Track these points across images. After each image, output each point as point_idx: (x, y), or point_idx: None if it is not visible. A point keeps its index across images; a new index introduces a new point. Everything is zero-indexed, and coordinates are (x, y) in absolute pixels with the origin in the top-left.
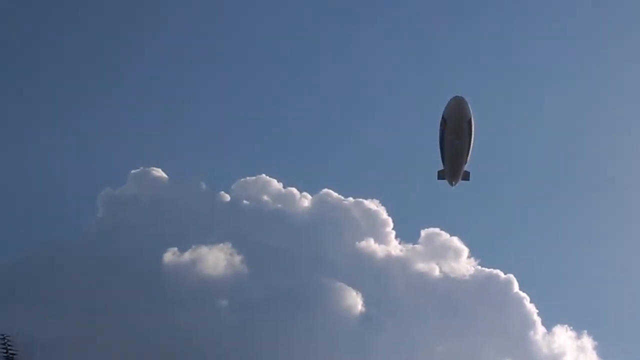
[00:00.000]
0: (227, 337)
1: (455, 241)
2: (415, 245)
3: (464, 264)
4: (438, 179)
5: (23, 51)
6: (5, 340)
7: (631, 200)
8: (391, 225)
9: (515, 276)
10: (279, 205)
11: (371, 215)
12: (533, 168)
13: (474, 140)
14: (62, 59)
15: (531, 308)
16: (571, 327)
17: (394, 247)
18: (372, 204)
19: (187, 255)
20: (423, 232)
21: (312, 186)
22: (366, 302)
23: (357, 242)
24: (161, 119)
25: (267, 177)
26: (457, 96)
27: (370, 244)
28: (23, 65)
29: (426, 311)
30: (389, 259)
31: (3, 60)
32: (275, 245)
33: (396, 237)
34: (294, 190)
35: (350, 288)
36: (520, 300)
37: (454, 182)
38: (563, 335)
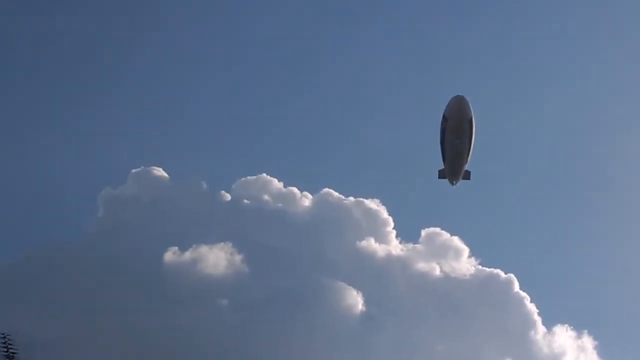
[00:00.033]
0: (228, 336)
1: (456, 241)
2: (416, 245)
3: (465, 264)
4: (439, 178)
5: (23, 51)
6: (6, 339)
7: (631, 200)
8: (392, 224)
9: (515, 276)
10: (280, 205)
11: (372, 214)
12: (533, 168)
13: (474, 140)
14: (62, 59)
15: (531, 308)
16: (571, 327)
17: (395, 247)
18: (372, 204)
19: (187, 255)
20: (424, 232)
21: (313, 186)
22: (367, 302)
23: (357, 242)
24: (162, 118)
25: (268, 176)
26: (458, 95)
27: (370, 244)
28: (23, 65)
29: (427, 311)
30: (389, 258)
31: (3, 60)
32: (276, 245)
33: (397, 236)
34: (295, 189)
35: (350, 287)
36: (520, 300)
37: (454, 182)
38: (563, 335)
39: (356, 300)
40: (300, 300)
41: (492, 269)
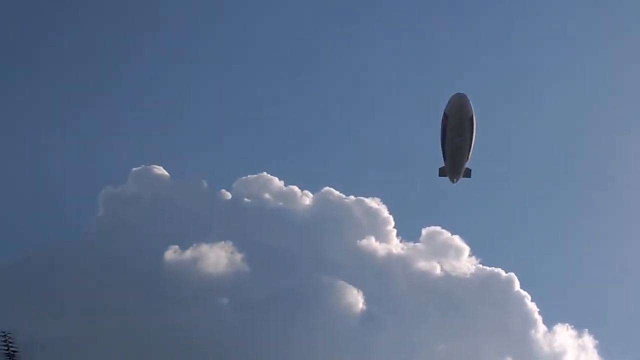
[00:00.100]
0: (228, 335)
1: (457, 240)
2: (417, 244)
3: (465, 263)
4: (439, 176)
5: (23, 51)
6: (6, 338)
7: (631, 199)
8: (392, 223)
9: (516, 275)
10: (280, 204)
11: (372, 213)
12: (534, 167)
13: (475, 138)
14: (62, 59)
15: (532, 307)
16: (572, 326)
17: (395, 246)
18: (373, 202)
19: (188, 254)
20: (424, 231)
21: (313, 184)
22: (367, 301)
23: (358, 241)
24: (162, 117)
25: (268, 175)
26: (459, 93)
27: (371, 243)
28: (23, 65)
29: (427, 310)
30: (390, 257)
31: (3, 60)
32: (276, 244)
33: (397, 235)
34: (295, 188)
35: (351, 286)
36: (521, 299)
37: (455, 179)
38: (564, 334)
39: (356, 299)
40: (300, 299)
41: (493, 268)
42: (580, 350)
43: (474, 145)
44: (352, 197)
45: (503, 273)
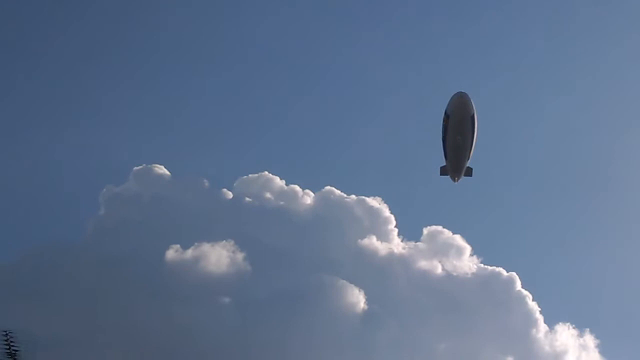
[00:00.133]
0: (230, 334)
1: (458, 239)
2: (418, 243)
3: (466, 262)
4: (440, 175)
5: (23, 51)
6: (8, 337)
7: (632, 199)
8: (393, 223)
9: (517, 274)
10: (282, 203)
11: (373, 212)
12: (535, 166)
13: (476, 137)
14: (63, 59)
15: (533, 306)
16: (573, 325)
17: (397, 245)
18: (374, 202)
19: (189, 253)
20: (425, 230)
21: (315, 184)
22: (368, 300)
23: (359, 240)
24: (163, 116)
25: (270, 174)
26: (460, 92)
27: (372, 242)
28: (23, 65)
29: (428, 309)
30: (391, 256)
31: (3, 60)
32: (278, 243)
33: (398, 234)
34: (297, 187)
35: (352, 285)
36: (522, 299)
37: (456, 178)
38: (565, 334)
39: (358, 298)
40: (302, 298)
41: (494, 268)
42: (582, 349)
43: (475, 144)
44: (353, 196)
45: (504, 272)
